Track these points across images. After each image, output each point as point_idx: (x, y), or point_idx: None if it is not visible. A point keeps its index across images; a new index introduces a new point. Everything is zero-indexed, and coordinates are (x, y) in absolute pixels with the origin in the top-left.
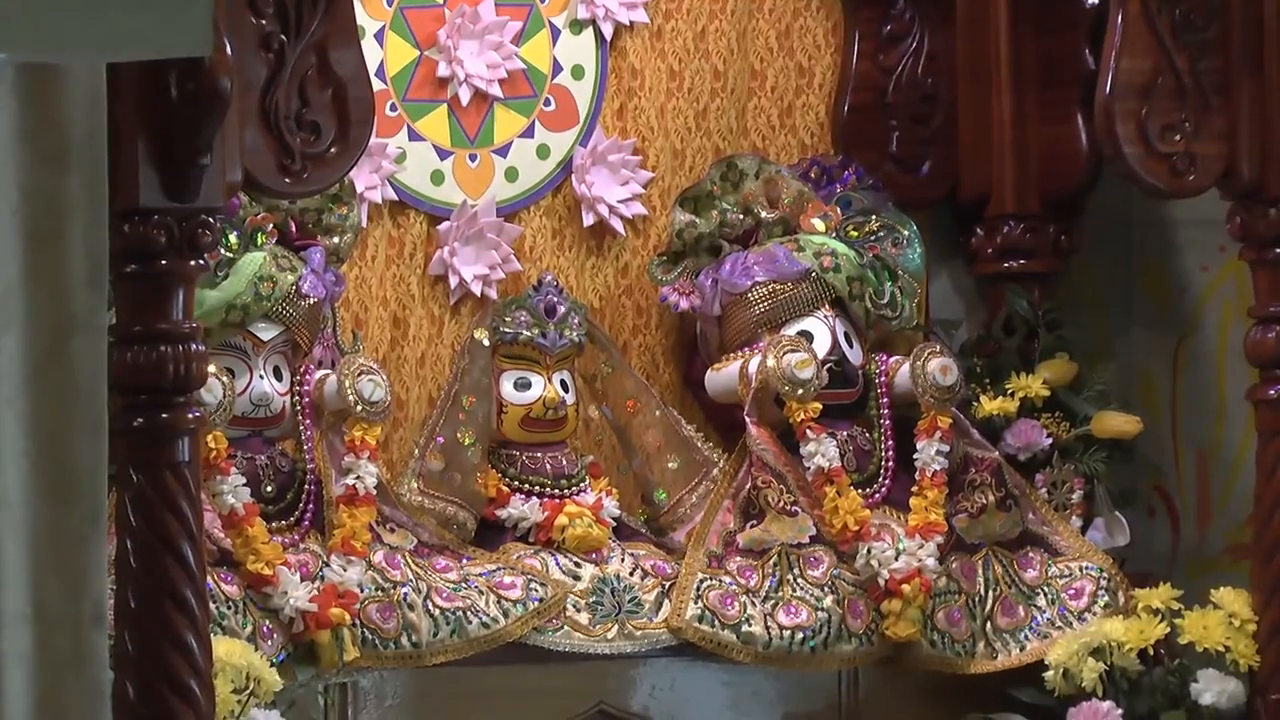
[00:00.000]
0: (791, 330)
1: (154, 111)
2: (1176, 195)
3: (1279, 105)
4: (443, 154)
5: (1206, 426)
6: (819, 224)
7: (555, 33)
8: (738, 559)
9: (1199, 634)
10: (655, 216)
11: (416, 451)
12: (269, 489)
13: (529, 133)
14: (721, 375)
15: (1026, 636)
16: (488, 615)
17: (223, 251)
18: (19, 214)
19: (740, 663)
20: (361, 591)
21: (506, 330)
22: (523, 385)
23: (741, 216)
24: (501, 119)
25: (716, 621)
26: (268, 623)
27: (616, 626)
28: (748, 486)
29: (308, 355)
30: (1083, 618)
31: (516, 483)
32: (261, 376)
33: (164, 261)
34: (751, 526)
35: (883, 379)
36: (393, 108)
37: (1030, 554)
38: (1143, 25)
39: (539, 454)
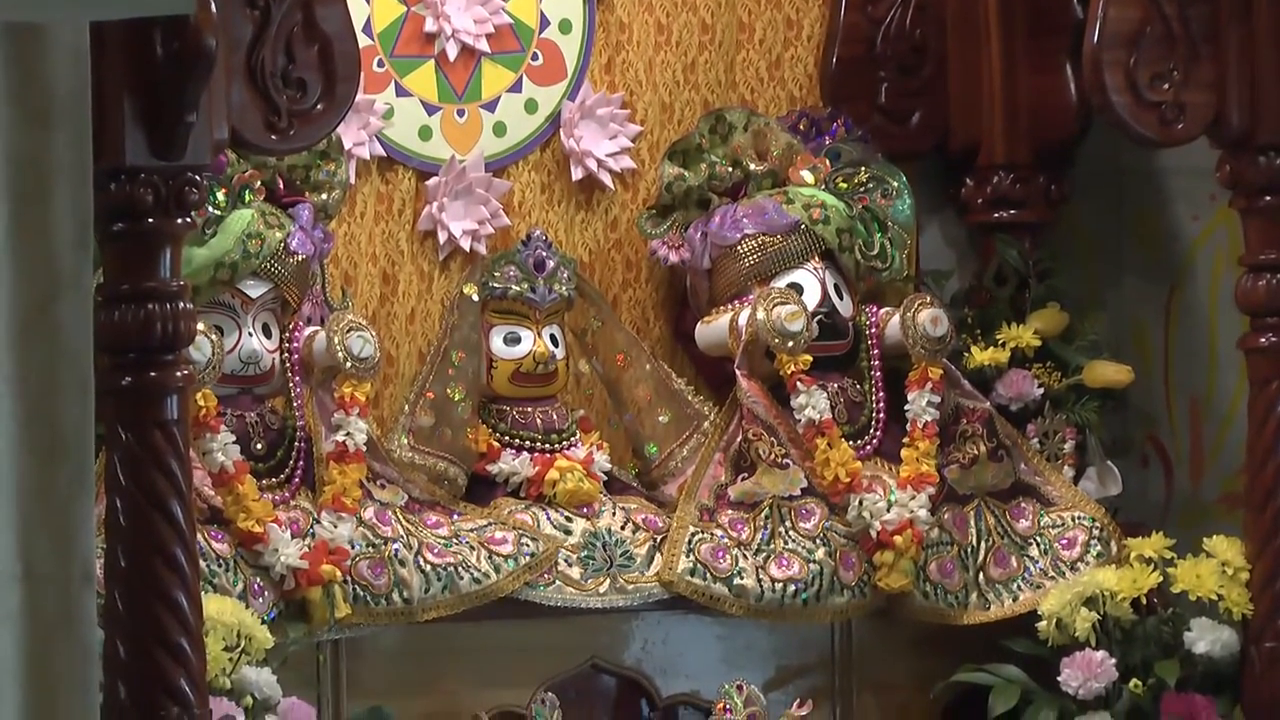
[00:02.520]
0: (781, 283)
1: (139, 70)
2: (1166, 144)
3: (1267, 53)
4: (430, 109)
5: (1199, 375)
6: (808, 176)
7: None
8: (729, 512)
9: (1192, 583)
10: (644, 170)
11: (406, 407)
12: (259, 446)
13: (517, 87)
14: (711, 328)
15: (1019, 587)
16: (479, 571)
17: (210, 209)
18: (4, 173)
19: (732, 616)
20: (352, 548)
21: (496, 285)
22: (512, 340)
23: (730, 169)
24: (489, 74)
25: (708, 575)
26: (259, 580)
27: (608, 581)
28: (738, 439)
29: (297, 312)
30: (1075, 567)
31: (507, 438)
32: (250, 334)
33: (151, 220)
34: (743, 479)
35: (873, 330)
36: (380, 64)
37: (1022, 504)
38: None
39: (529, 409)
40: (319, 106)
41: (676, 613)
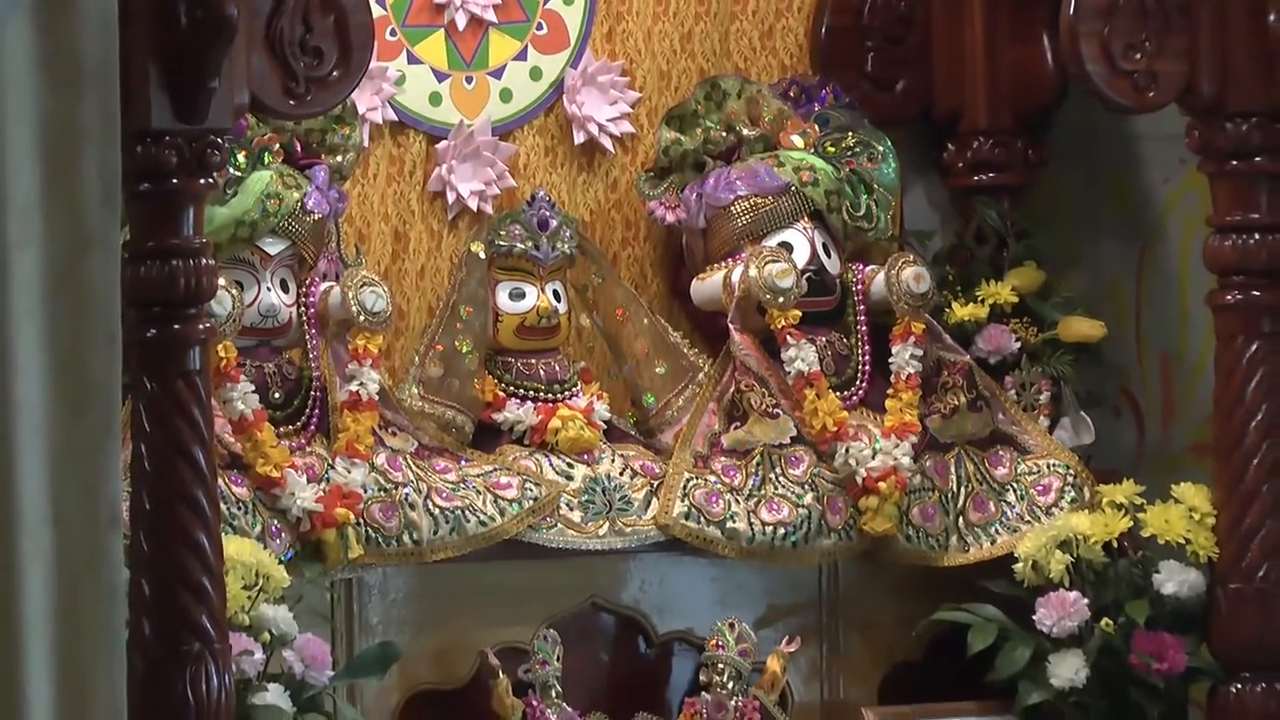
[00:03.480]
0: (772, 241)
1: (165, 38)
2: (1139, 111)
3: (1236, 25)
4: (440, 76)
5: (1169, 331)
6: (798, 141)
7: None
8: (722, 459)
9: (1161, 527)
10: (643, 135)
11: (417, 359)
12: (277, 396)
13: (522, 56)
14: (706, 285)
15: (997, 530)
16: (485, 514)
17: (231, 170)
18: (36, 137)
19: (725, 557)
20: (365, 492)
21: (502, 243)
22: (517, 295)
23: (725, 134)
24: (496, 43)
25: (702, 518)
26: (276, 522)
27: (607, 524)
28: (731, 390)
29: (313, 268)
30: (1050, 512)
31: (512, 388)
32: (269, 289)
33: (175, 181)
34: (735, 428)
35: (859, 287)
36: (392, 33)
37: (1000, 452)
38: None
39: (533, 360)
40: (335, 73)
41: (672, 554)
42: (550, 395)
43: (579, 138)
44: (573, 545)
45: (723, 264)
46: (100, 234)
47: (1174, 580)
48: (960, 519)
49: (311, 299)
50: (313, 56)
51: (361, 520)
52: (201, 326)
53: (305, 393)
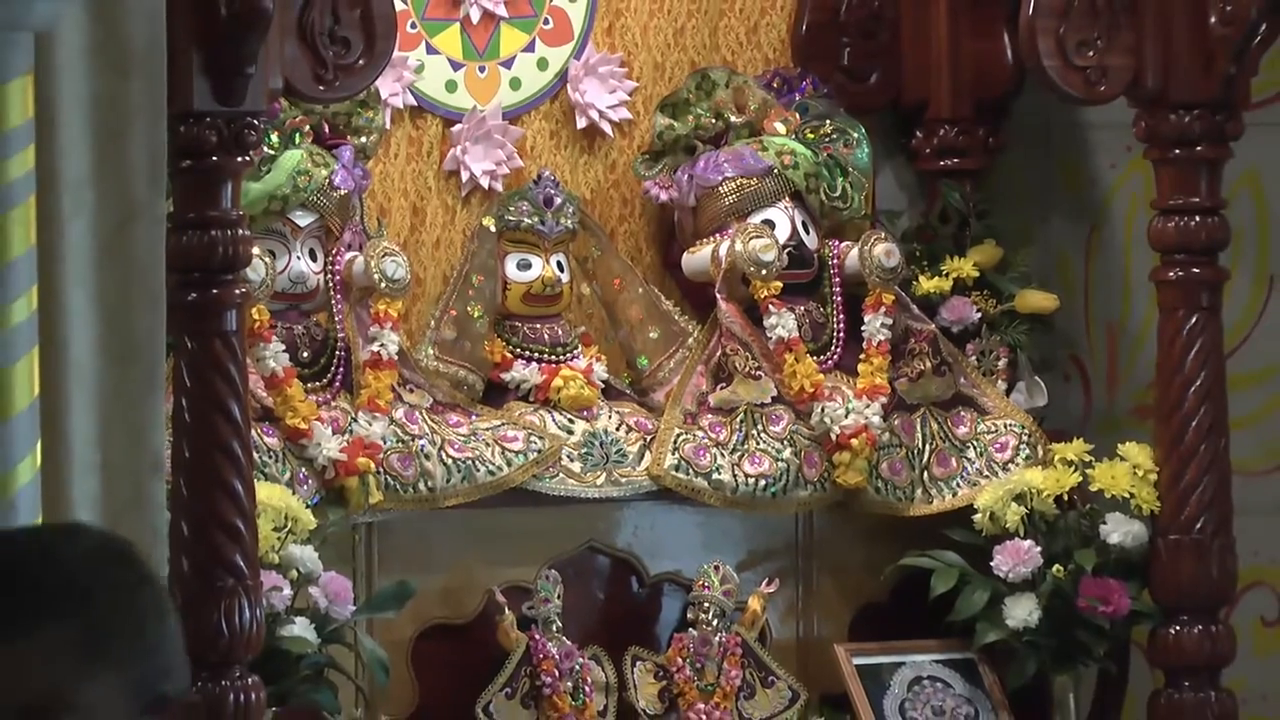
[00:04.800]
0: (756, 219)
1: (206, 27)
2: (1089, 102)
3: (1179, 24)
4: (455, 66)
5: (1115, 304)
6: (780, 127)
7: None
8: (709, 416)
9: (1107, 482)
10: (639, 120)
11: (432, 323)
12: (305, 355)
13: (530, 48)
14: (696, 258)
15: (958, 484)
16: (493, 464)
17: (265, 149)
18: (88, 117)
19: (711, 506)
20: (384, 443)
21: (510, 218)
22: (524, 266)
23: (713, 121)
24: (507, 36)
25: (690, 470)
26: (303, 470)
27: (604, 474)
28: (718, 354)
29: (339, 239)
30: (1007, 468)
31: (518, 350)
32: (299, 258)
33: (214, 158)
34: (721, 388)
35: (835, 261)
36: (413, 25)
37: (962, 413)
38: None
39: (538, 325)
40: (360, 62)
41: (663, 503)
42: (553, 357)
43: (581, 123)
44: (573, 493)
45: (711, 239)
46: (146, 206)
47: (1119, 531)
48: (925, 473)
49: (337, 267)
50: (340, 46)
51: (381, 469)
52: (237, 291)
53: (331, 352)
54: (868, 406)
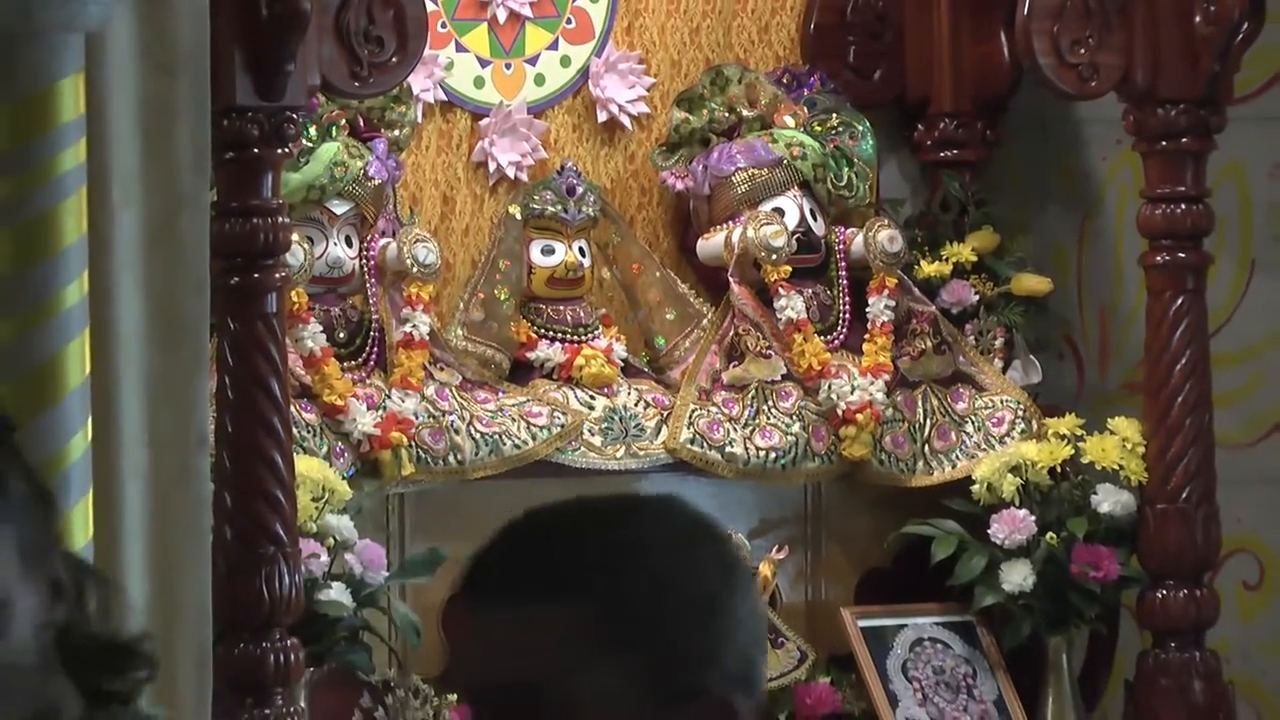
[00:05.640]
0: (767, 207)
1: (248, 27)
2: (1082, 98)
3: (1167, 24)
4: (483, 63)
5: (1106, 287)
6: (790, 121)
7: None
8: (722, 393)
9: (1098, 455)
10: (656, 114)
11: (461, 305)
12: (341, 335)
13: (554, 46)
14: (710, 244)
15: (957, 456)
16: (519, 438)
17: (304, 142)
18: (137, 112)
19: (724, 477)
20: (416, 419)
21: (535, 206)
22: (548, 251)
23: (727, 114)
24: (532, 34)
25: (705, 444)
26: (340, 444)
27: (624, 448)
28: (731, 334)
29: (373, 226)
30: (1003, 441)
31: (542, 330)
32: (335, 244)
33: (256, 150)
34: (734, 366)
35: (841, 247)
36: (443, 25)
37: (960, 390)
38: None
39: (561, 307)
40: (393, 59)
41: (679, 474)
42: (575, 337)
43: (602, 117)
44: (594, 466)
45: (724, 226)
46: (192, 195)
47: (1109, 500)
48: (926, 446)
49: (372, 252)
50: (375, 45)
51: (413, 443)
52: (277, 275)
53: (365, 333)
54: (872, 383)
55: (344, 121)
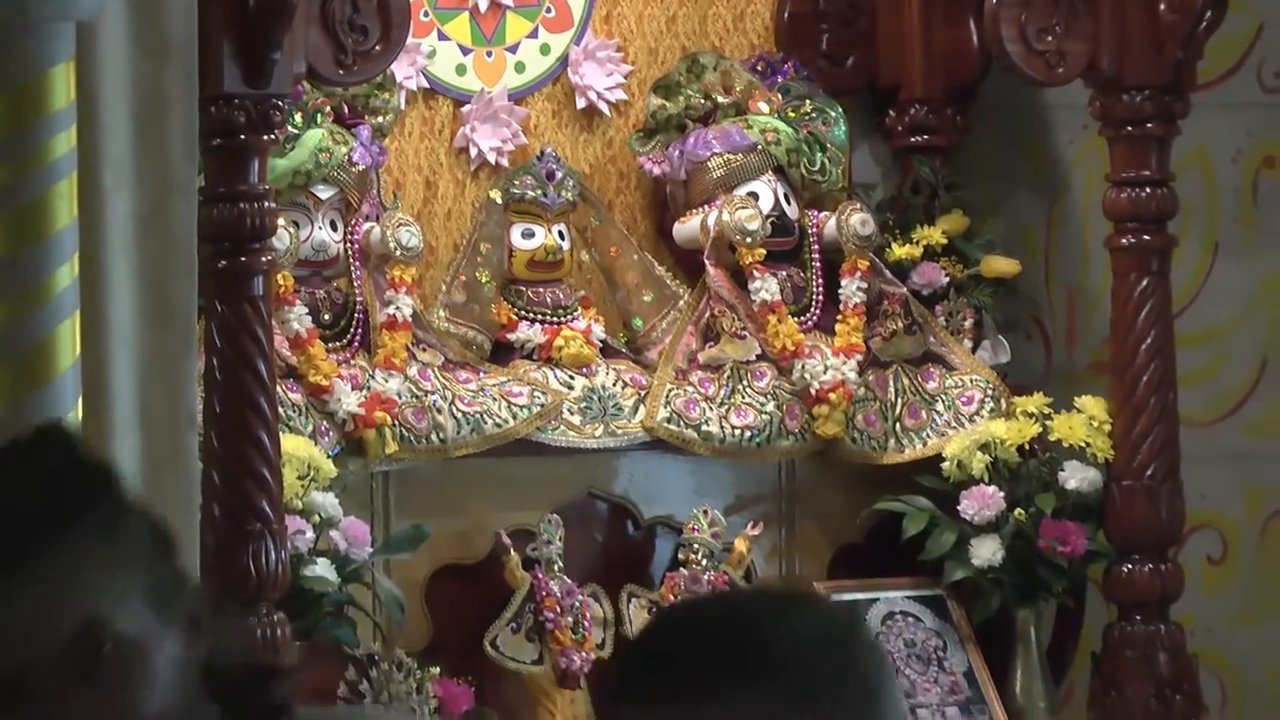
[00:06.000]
0: (741, 191)
1: (236, 16)
2: (1049, 84)
3: (1133, 11)
4: (465, 51)
5: (1073, 269)
6: (764, 107)
7: None
8: (698, 372)
9: (1066, 432)
10: (634, 101)
11: (444, 287)
12: (326, 317)
13: (534, 34)
14: (686, 227)
15: (928, 434)
16: (500, 417)
17: (290, 129)
18: (128, 98)
19: (700, 455)
20: (400, 398)
21: (515, 191)
22: (528, 235)
23: (703, 101)
24: (512, 23)
25: (682, 422)
26: (325, 423)
27: (602, 426)
28: (707, 315)
29: (357, 211)
30: (973, 419)
31: (523, 312)
32: (320, 228)
33: (243, 137)
34: (710, 347)
35: (814, 230)
36: (425, 14)
37: (931, 369)
38: None
39: (541, 289)
40: (377, 48)
41: (656, 452)
42: (555, 318)
43: (580, 103)
44: (573, 444)
45: (700, 210)
46: (181, 181)
47: (1076, 477)
48: (897, 424)
49: (356, 236)
50: (359, 33)
51: (396, 422)
52: (264, 259)
53: (350, 315)
54: (844, 363)
55: (329, 108)
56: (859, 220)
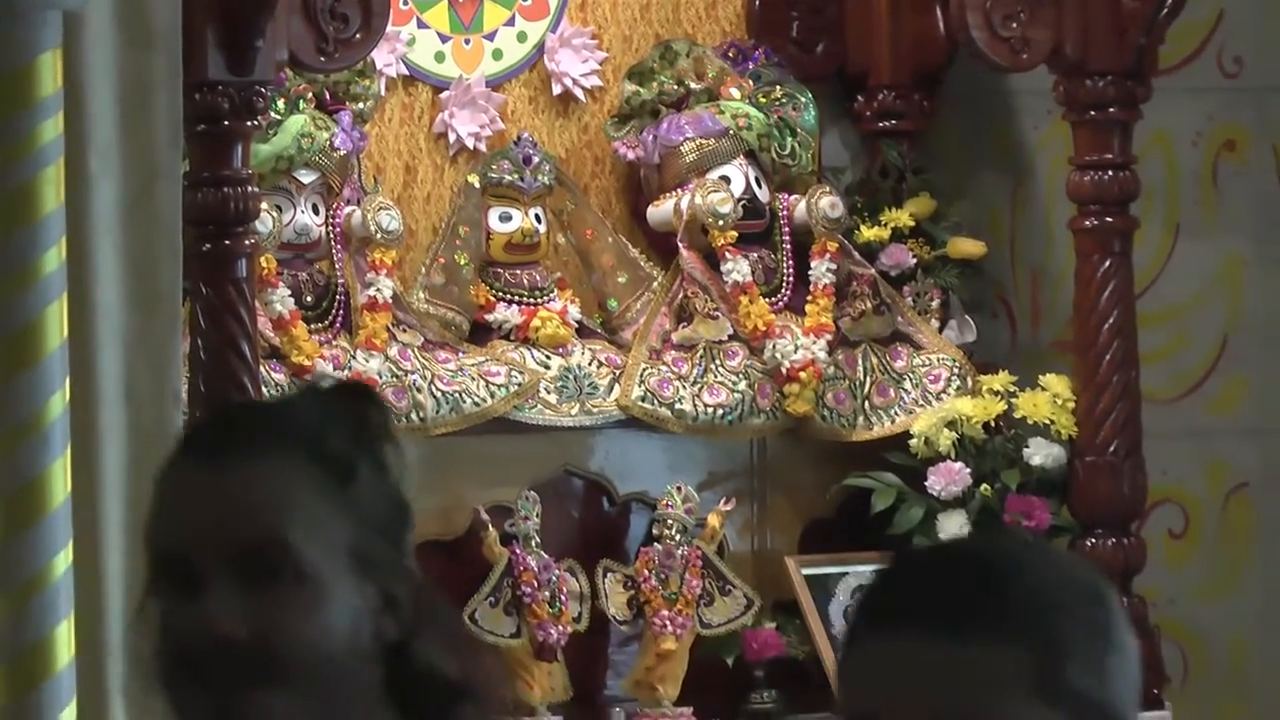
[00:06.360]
0: (714, 175)
1: (220, 4)
2: (1014, 70)
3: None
4: (444, 39)
5: (1038, 250)
6: (735, 93)
7: None
8: (672, 352)
9: (1030, 410)
10: (609, 87)
11: (423, 269)
12: (308, 299)
13: (511, 22)
14: (660, 210)
15: (896, 412)
16: (478, 396)
17: (272, 115)
18: (115, 86)
19: (674, 433)
20: (380, 378)
21: (493, 175)
22: (505, 218)
23: (676, 87)
24: (490, 11)
25: (655, 401)
26: None
27: (578, 405)
28: (680, 296)
29: (339, 195)
30: (940, 397)
31: (501, 293)
32: (303, 212)
33: (227, 123)
34: (683, 327)
35: (785, 213)
36: (405, 2)
37: (899, 348)
38: None
39: (518, 271)
40: (358, 35)
41: (631, 430)
42: (532, 299)
43: (557, 90)
44: (550, 422)
45: (673, 193)
46: (166, 166)
47: (1041, 453)
48: (866, 402)
49: (337, 220)
50: (340, 21)
51: None
52: (248, 242)
53: (332, 297)
54: (814, 343)
55: (310, 95)
56: (828, 203)
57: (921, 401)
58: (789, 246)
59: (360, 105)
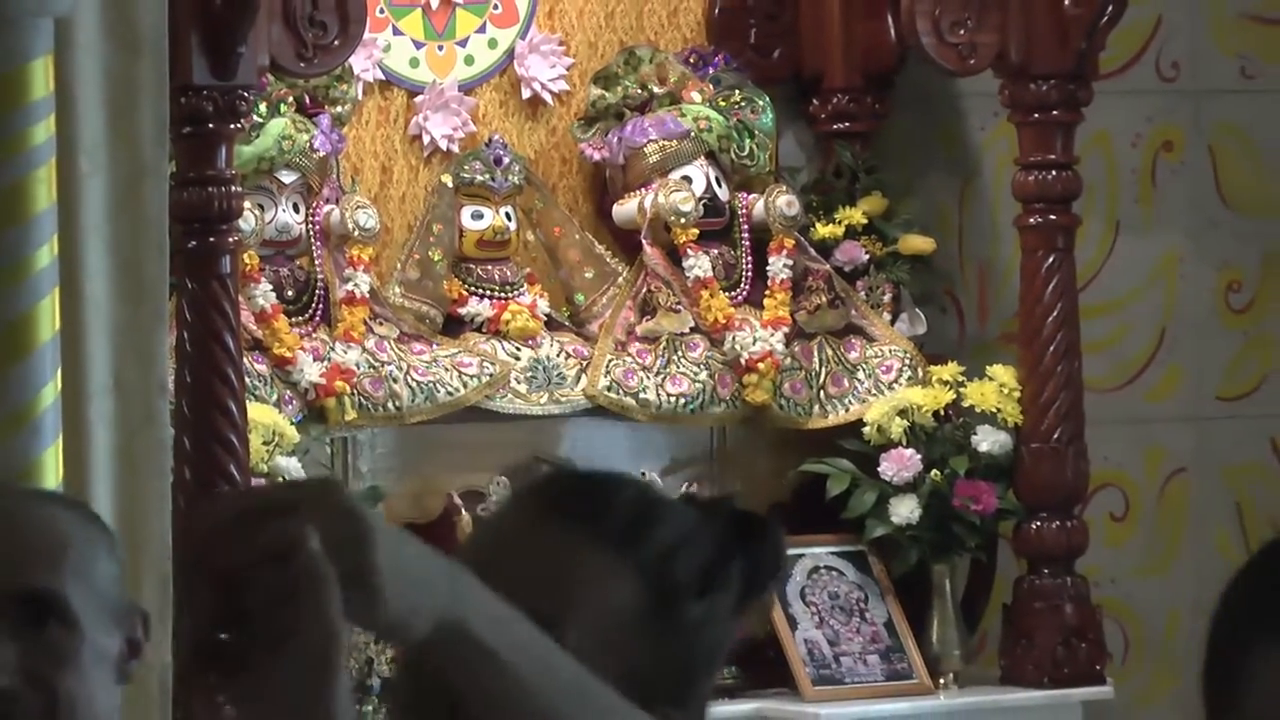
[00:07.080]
0: (676, 175)
1: (204, 11)
2: (962, 74)
3: (1039, 5)
4: (418, 45)
5: (985, 246)
6: (697, 97)
7: None
8: (636, 344)
9: (978, 399)
10: (576, 91)
11: (399, 265)
12: (289, 293)
13: (482, 29)
14: (625, 209)
15: (850, 401)
16: (451, 386)
17: (255, 118)
18: (103, 89)
19: (639, 421)
20: (358, 369)
21: (465, 175)
22: (477, 216)
23: (639, 91)
24: (462, 19)
25: (621, 390)
26: (289, 392)
27: (547, 394)
28: (644, 290)
29: (318, 194)
30: (892, 387)
31: (473, 288)
32: (284, 210)
33: (211, 125)
34: (647, 320)
35: (744, 211)
36: (381, 10)
37: (853, 340)
38: None
39: (490, 267)
40: (336, 42)
41: (597, 418)
42: (503, 294)
43: (526, 94)
44: (520, 411)
45: (638, 192)
46: (153, 166)
47: (988, 440)
48: (821, 392)
49: (317, 218)
50: (319, 29)
51: (355, 391)
52: (231, 240)
53: (312, 291)
54: (772, 335)
55: (291, 99)
56: (785, 202)
57: (874, 391)
58: (748, 243)
59: (339, 109)
